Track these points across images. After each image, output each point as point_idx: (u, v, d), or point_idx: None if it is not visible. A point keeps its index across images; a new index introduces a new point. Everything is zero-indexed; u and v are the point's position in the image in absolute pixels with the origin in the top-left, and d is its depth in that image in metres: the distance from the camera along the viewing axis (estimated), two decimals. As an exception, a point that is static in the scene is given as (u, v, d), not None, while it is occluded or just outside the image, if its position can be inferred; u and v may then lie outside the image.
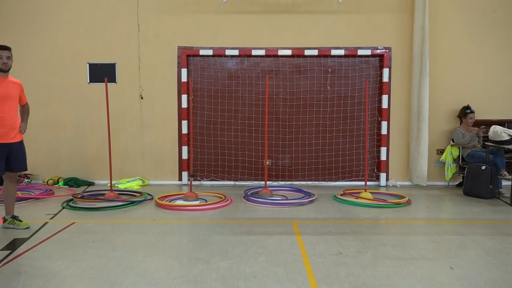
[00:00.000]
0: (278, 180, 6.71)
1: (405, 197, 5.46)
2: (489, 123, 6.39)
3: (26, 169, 4.23)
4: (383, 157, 6.60)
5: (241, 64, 6.66)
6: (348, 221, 4.55)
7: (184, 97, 6.57)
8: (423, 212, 4.99)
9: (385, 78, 6.54)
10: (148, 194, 5.71)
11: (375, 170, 6.74)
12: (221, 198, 5.49)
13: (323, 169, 6.72)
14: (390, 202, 5.28)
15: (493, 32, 6.52)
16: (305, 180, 6.71)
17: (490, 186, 5.60)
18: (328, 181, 6.73)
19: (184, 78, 6.55)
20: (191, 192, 5.44)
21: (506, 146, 5.51)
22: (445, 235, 4.04)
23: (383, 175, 6.62)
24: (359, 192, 5.63)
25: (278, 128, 6.70)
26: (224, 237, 3.95)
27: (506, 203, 5.40)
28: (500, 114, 6.58)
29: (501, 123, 6.50)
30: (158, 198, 5.37)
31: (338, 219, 4.62)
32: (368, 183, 6.58)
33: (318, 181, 6.73)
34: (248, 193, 5.67)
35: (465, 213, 4.89)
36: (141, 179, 6.55)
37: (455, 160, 6.38)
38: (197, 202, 5.27)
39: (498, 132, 5.55)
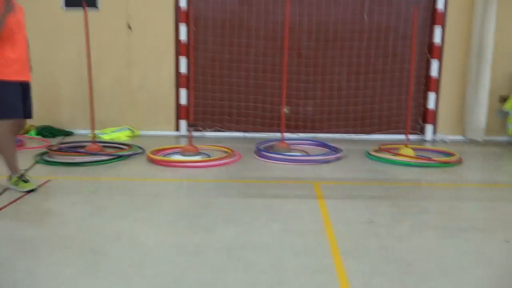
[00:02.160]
0: (298, 132, 6.68)
1: (455, 155, 5.39)
2: None
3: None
4: (431, 105, 6.48)
5: (255, -15, 6.45)
6: (383, 182, 4.53)
7: (182, 28, 6.44)
8: (476, 174, 4.95)
9: (440, 5, 6.28)
10: (139, 147, 5.76)
11: (420, 121, 6.64)
12: (228, 153, 5.50)
13: (355, 119, 6.65)
14: (435, 161, 5.23)
15: None
16: (331, 132, 6.67)
17: None
18: (360, 133, 6.68)
19: (183, 4, 6.39)
20: (190, 146, 5.46)
21: None
22: (502, 201, 4.00)
23: (429, 127, 6.54)
24: (398, 148, 5.58)
25: (300, 67, 6.57)
26: (231, 200, 3.98)
27: None
28: None
29: None
30: (150, 152, 5.41)
31: (371, 180, 4.61)
32: (411, 136, 6.47)
33: (348, 133, 6.68)
34: (261, 147, 5.67)
35: (530, 176, 4.83)
36: (130, 129, 6.59)
37: (521, 110, 6.24)
38: (198, 158, 5.29)
39: None
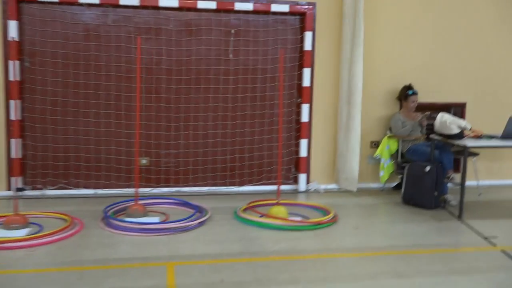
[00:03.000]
0: (159, 186, 5.82)
1: (330, 213, 4.91)
2: (432, 108, 6.14)
3: None
4: (303, 152, 6.03)
5: (104, 17, 5.56)
6: (251, 258, 3.85)
7: (13, 66, 5.31)
8: (352, 237, 4.48)
9: (308, 46, 5.90)
10: None
11: (293, 170, 6.16)
12: (66, 221, 4.47)
13: (223, 170, 5.97)
14: (309, 223, 4.69)
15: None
16: (198, 185, 5.92)
17: (435, 193, 5.31)
18: (230, 185, 6.00)
19: (13, 36, 5.27)
20: (16, 216, 4.35)
21: (455, 142, 5.20)
22: (382, 278, 3.53)
23: (302, 177, 6.07)
24: (270, 205, 4.98)
25: (159, 112, 5.76)
26: (51, 304, 3.01)
27: (452, 214, 5.15)
28: (444, 97, 6.36)
29: (447, 107, 6.30)
30: (-40, 228, 4.20)
31: (237, 256, 3.91)
32: (284, 187, 5.99)
33: (217, 186, 5.98)
34: (109, 213, 4.70)
35: (406, 236, 4.49)
36: None
37: (392, 156, 6.03)
38: (24, 233, 4.20)
39: (447, 124, 5.21)
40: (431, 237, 4.46)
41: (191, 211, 4.96)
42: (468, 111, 6.44)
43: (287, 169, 6.16)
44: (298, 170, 6.10)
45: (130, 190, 5.61)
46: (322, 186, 6.13)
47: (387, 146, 6.00)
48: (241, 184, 6.03)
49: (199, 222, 4.60)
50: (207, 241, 4.21)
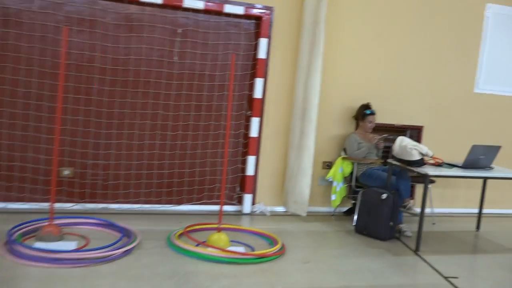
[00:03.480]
0: (83, 202, 5.03)
1: (277, 242, 4.33)
2: (388, 130, 5.76)
3: None
4: (250, 170, 5.44)
5: (29, 2, 4.76)
6: (182, 302, 3.19)
7: None
8: (301, 274, 3.91)
9: (262, 54, 5.34)
10: None
11: (237, 189, 5.56)
12: (-41, 245, 3.63)
13: (159, 186, 5.28)
14: (253, 255, 4.08)
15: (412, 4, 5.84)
16: (129, 202, 5.19)
17: (391, 223, 4.87)
18: (166, 204, 5.32)
19: None
20: None
21: (415, 169, 4.78)
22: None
23: (248, 197, 5.47)
24: (210, 231, 4.34)
25: (88, 116, 5.00)
26: None
27: (408, 247, 4.74)
28: (401, 119, 5.98)
29: (403, 129, 5.96)
30: None
31: (166, 298, 3.23)
32: (227, 208, 5.38)
33: (150, 203, 5.27)
34: (15, 235, 3.88)
35: (360, 274, 3.96)
36: None
37: (346, 179, 5.56)
38: None
39: (407, 148, 4.79)
40: (388, 276, 3.97)
41: (118, 235, 4.23)
42: (424, 134, 6.09)
43: (231, 188, 5.54)
44: (243, 189, 5.50)
45: (48, 206, 4.80)
46: (268, 209, 5.55)
47: (341, 168, 5.52)
48: (179, 202, 5.35)
49: (125, 251, 3.87)
50: (132, 277, 3.50)
